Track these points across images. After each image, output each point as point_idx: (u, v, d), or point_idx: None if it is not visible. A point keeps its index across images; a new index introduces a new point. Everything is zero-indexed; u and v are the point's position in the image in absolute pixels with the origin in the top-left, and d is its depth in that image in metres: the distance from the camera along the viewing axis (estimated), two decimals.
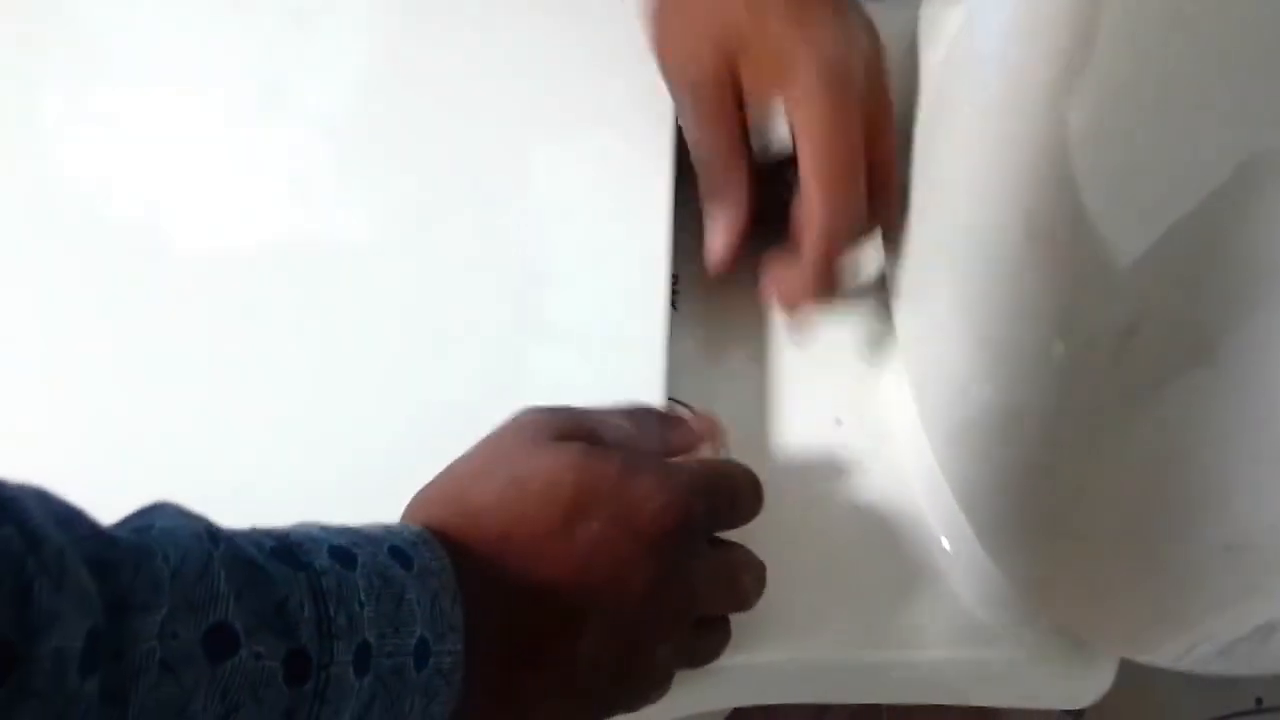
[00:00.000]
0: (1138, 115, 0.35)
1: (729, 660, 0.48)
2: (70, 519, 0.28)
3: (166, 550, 0.30)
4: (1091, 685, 0.53)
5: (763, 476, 0.47)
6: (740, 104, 0.49)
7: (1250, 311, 0.34)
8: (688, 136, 0.51)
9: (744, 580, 0.45)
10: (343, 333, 0.52)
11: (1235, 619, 0.45)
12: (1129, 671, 0.71)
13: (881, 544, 0.52)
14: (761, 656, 0.50)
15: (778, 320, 0.56)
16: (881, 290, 0.56)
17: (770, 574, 0.47)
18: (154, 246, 0.54)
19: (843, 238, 0.49)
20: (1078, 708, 0.55)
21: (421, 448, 0.43)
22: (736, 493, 0.45)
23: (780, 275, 0.51)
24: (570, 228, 0.55)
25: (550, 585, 0.39)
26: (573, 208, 0.55)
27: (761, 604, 0.47)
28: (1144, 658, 0.53)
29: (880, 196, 0.50)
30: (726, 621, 0.46)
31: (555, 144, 0.57)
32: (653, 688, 0.43)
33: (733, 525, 0.45)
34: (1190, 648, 0.49)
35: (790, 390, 0.55)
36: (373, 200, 0.56)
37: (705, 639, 0.45)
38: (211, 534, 0.32)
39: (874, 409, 0.55)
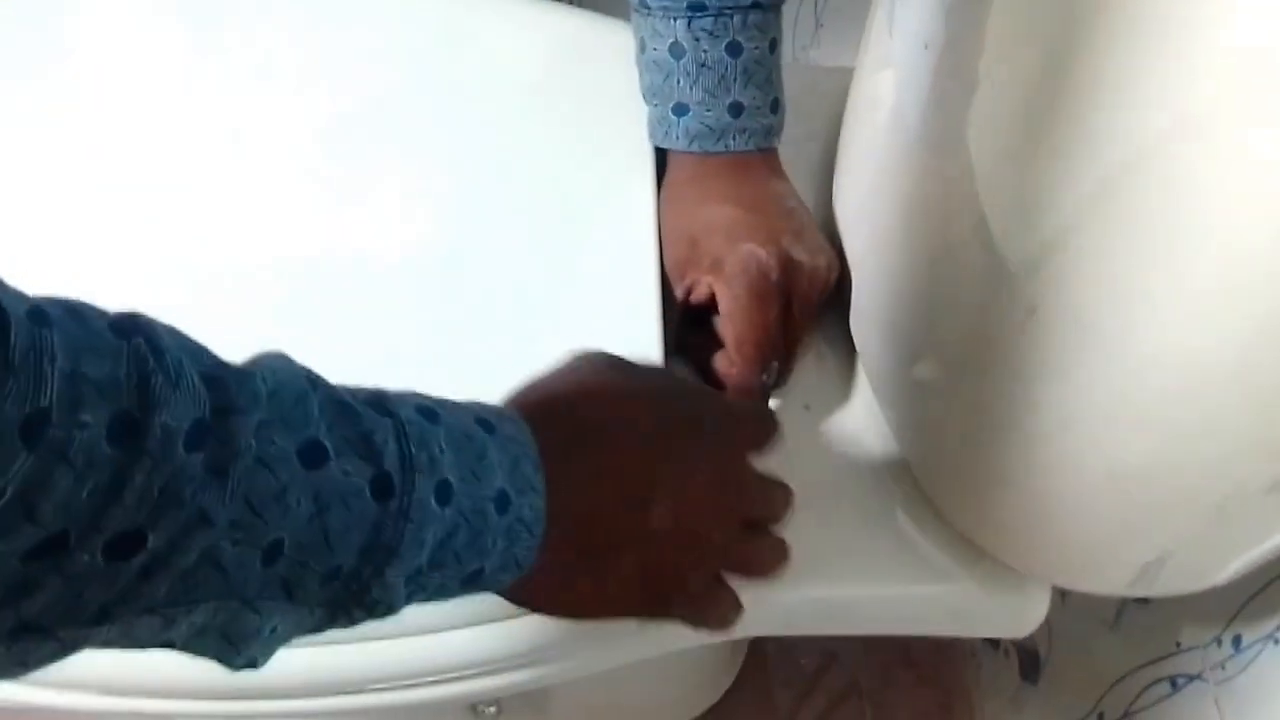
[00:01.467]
0: (1016, 145, 0.44)
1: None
2: (193, 347, 0.32)
3: (268, 378, 0.33)
4: (1029, 615, 0.61)
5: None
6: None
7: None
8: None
9: (778, 494, 0.49)
10: (345, 335, 0.59)
11: (1134, 546, 0.54)
12: (1068, 635, 0.79)
13: (847, 499, 0.60)
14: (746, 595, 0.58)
15: None
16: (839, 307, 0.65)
17: None
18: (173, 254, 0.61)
19: (752, 384, 0.61)
20: (1019, 636, 0.63)
21: None
22: (771, 434, 0.50)
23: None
24: (562, 239, 0.64)
25: (621, 469, 0.43)
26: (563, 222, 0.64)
27: None
28: (1071, 585, 0.61)
29: (790, 351, 0.63)
30: (782, 541, 0.48)
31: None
32: (711, 578, 0.46)
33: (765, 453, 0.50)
34: (1105, 574, 0.58)
35: None
36: (379, 206, 0.64)
37: (758, 547, 0.48)
38: (310, 378, 0.35)
39: (836, 394, 0.64)
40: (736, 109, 0.61)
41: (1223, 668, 0.66)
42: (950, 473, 0.56)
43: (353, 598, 0.35)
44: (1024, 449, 0.50)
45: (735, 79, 0.60)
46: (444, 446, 0.36)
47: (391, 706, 0.59)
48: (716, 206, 0.61)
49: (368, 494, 0.34)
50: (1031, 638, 0.87)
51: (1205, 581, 0.57)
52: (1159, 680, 0.73)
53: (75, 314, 0.29)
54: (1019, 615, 0.61)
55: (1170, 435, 0.44)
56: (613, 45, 0.68)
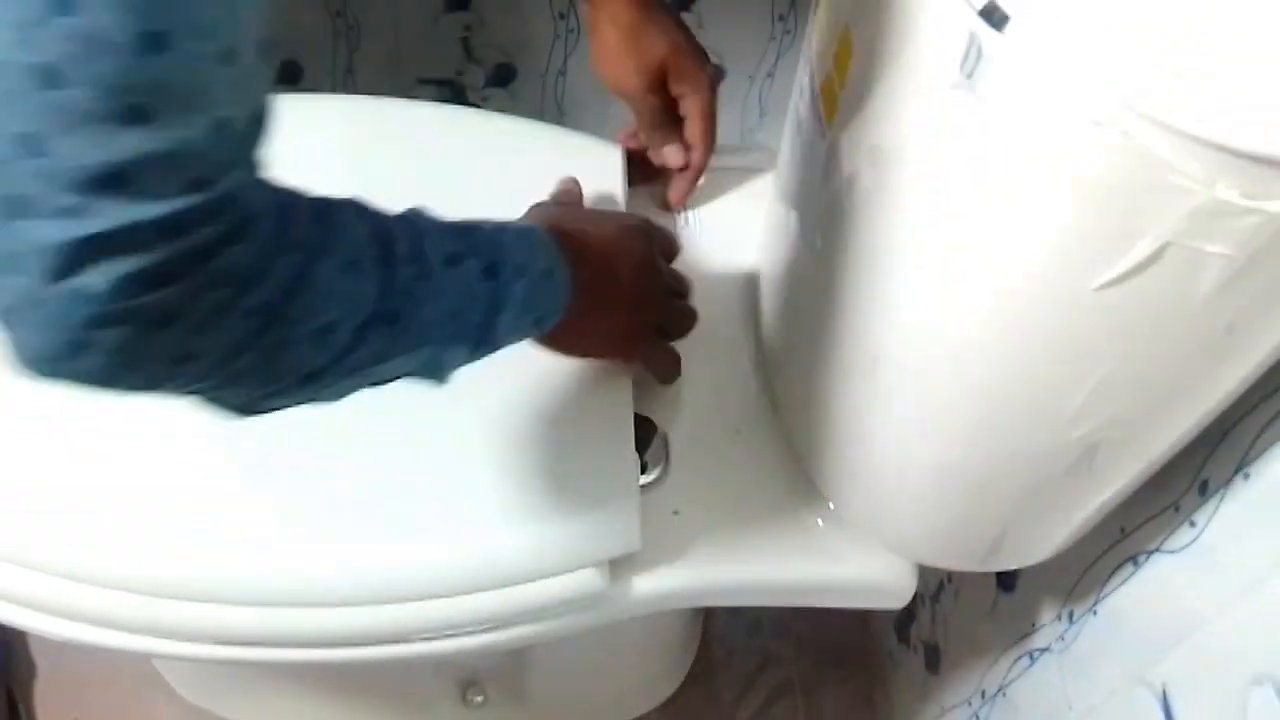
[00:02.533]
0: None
1: (663, 583, 0.71)
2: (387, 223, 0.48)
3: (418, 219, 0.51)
4: (904, 589, 0.76)
5: (692, 471, 0.73)
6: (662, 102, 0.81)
7: None
8: (640, 122, 0.82)
9: (685, 278, 0.76)
10: None
11: (973, 528, 0.69)
12: (959, 627, 0.93)
13: (763, 497, 0.75)
14: (676, 577, 0.72)
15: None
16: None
17: (687, 521, 0.71)
18: None
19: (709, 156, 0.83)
20: (897, 607, 0.77)
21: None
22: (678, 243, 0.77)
23: (676, 190, 0.85)
24: None
25: (607, 262, 0.65)
26: None
27: (681, 539, 0.71)
28: (936, 564, 0.76)
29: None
30: (692, 309, 0.75)
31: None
32: (650, 328, 0.72)
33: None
34: (958, 552, 0.72)
35: (700, 415, 0.78)
36: None
37: (681, 309, 0.75)
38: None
39: (760, 421, 0.78)
40: None
41: (1061, 639, 0.81)
42: (838, 478, 0.71)
43: (484, 337, 0.53)
44: (880, 455, 0.65)
45: None
46: (508, 252, 0.54)
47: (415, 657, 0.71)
48: (657, 29, 0.79)
49: (481, 277, 0.52)
50: (933, 634, 1.02)
51: (1041, 554, 0.71)
52: (1021, 656, 0.87)
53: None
54: (894, 590, 0.75)
55: (970, 436, 0.59)
56: (601, 160, 0.83)
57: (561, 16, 1.26)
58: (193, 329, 0.38)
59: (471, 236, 0.53)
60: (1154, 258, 0.45)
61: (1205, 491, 0.64)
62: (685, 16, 0.89)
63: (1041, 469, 0.60)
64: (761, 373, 0.79)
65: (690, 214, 0.85)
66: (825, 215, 0.62)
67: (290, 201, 0.42)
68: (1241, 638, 0.61)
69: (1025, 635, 0.86)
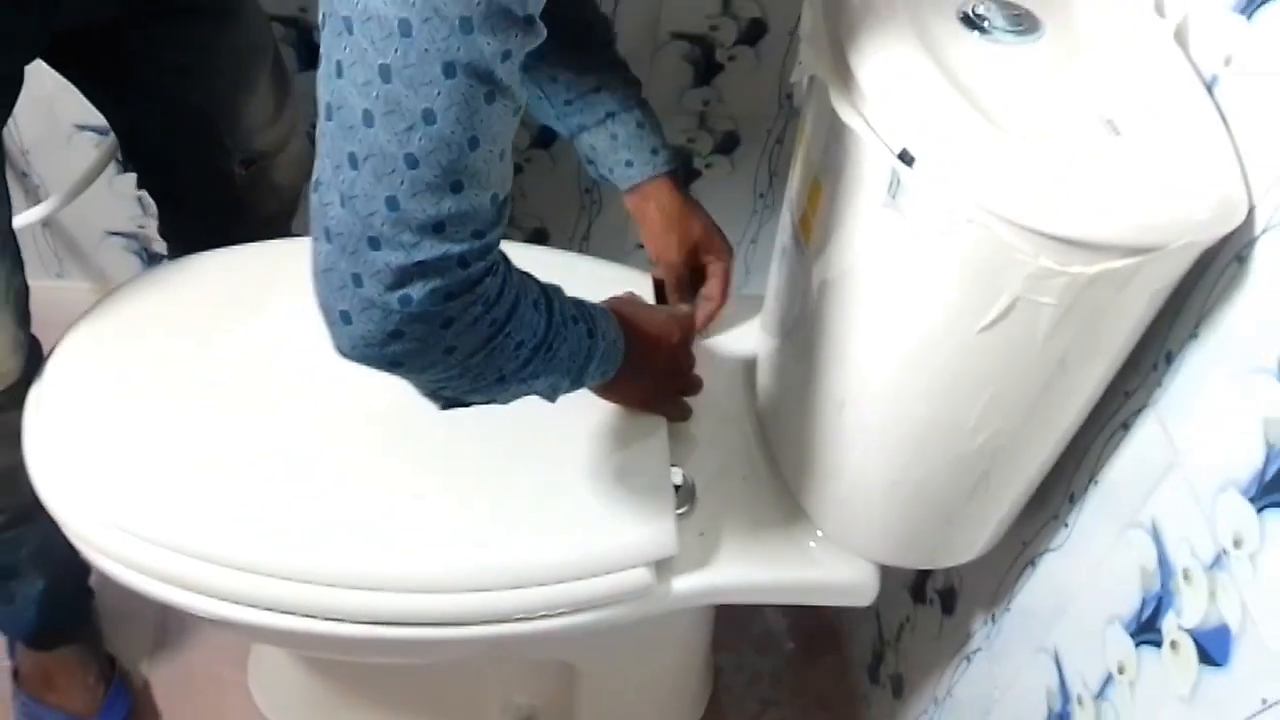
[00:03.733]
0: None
1: (692, 583, 0.92)
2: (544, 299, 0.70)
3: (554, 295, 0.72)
4: (871, 589, 0.97)
5: (712, 505, 0.94)
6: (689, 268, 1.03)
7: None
8: (668, 282, 1.03)
9: (694, 358, 0.97)
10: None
11: (918, 533, 0.91)
12: (918, 658, 1.13)
13: (766, 521, 0.97)
14: (702, 579, 0.93)
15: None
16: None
17: (710, 540, 0.93)
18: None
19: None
20: (865, 604, 0.99)
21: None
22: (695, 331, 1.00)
23: (699, 323, 1.03)
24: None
25: (651, 345, 0.87)
26: None
27: (705, 553, 0.93)
28: (891, 563, 0.97)
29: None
30: (700, 379, 0.99)
31: None
32: (673, 391, 0.98)
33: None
34: (907, 552, 0.94)
35: (716, 466, 1.01)
36: None
37: (693, 379, 0.98)
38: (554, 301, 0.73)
39: (761, 467, 1.00)
40: (661, 145, 0.99)
41: (988, 638, 1.02)
42: (821, 501, 0.94)
43: (580, 377, 0.76)
44: (848, 477, 0.88)
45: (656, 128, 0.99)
46: (598, 322, 0.77)
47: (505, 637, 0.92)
48: (694, 216, 1.01)
49: (586, 334, 0.75)
50: (898, 667, 1.22)
51: (970, 553, 0.93)
52: (960, 661, 1.07)
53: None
54: (862, 589, 0.97)
55: (907, 451, 0.82)
56: (638, 284, 1.05)
57: (587, 191, 1.53)
58: (460, 330, 0.62)
59: (581, 306, 0.76)
60: (1010, 308, 0.69)
61: (1073, 500, 0.87)
62: None
63: (959, 472, 0.83)
64: (761, 433, 1.02)
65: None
66: (803, 308, 0.86)
67: (506, 256, 0.66)
68: (1099, 596, 0.83)
69: (963, 644, 1.06)
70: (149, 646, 1.35)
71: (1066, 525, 0.87)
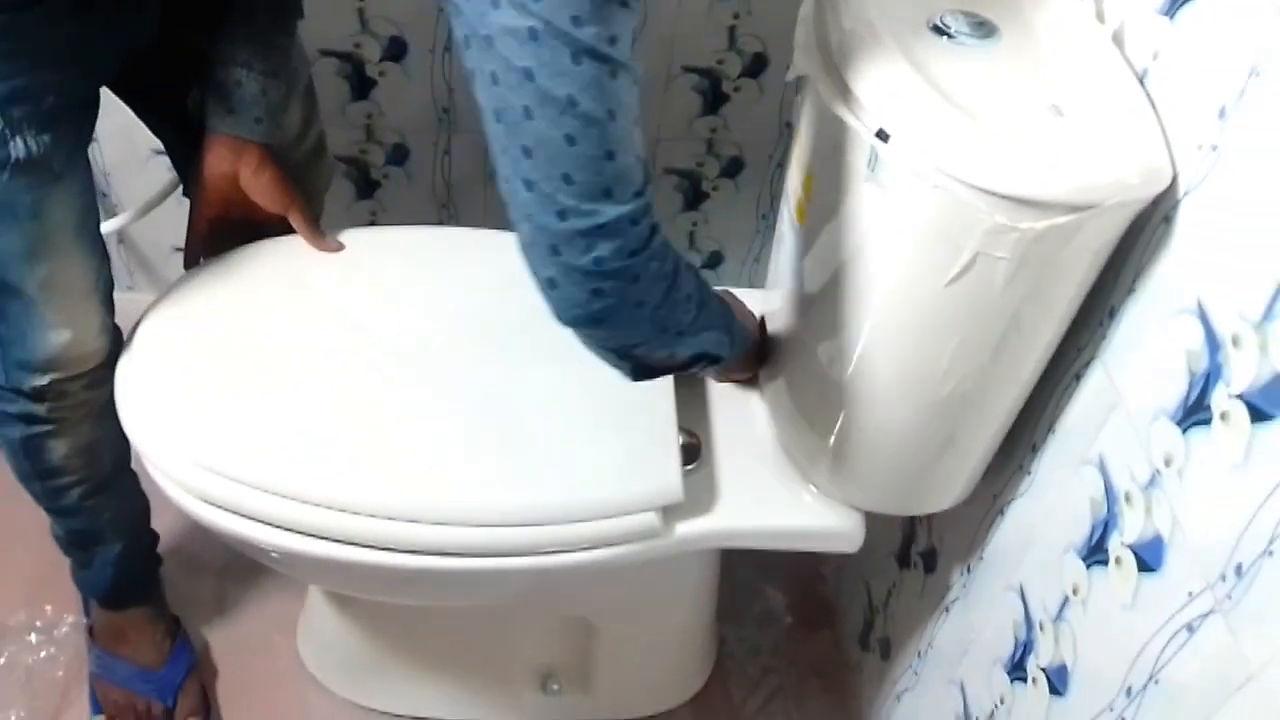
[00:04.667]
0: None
1: (696, 527, 1.00)
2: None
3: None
4: (856, 535, 1.05)
5: (716, 463, 1.03)
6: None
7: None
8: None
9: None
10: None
11: (899, 479, 0.99)
12: (904, 617, 1.20)
13: (763, 474, 1.05)
14: (704, 524, 1.01)
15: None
16: None
17: (713, 491, 1.01)
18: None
19: None
20: (852, 550, 1.06)
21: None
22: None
23: None
24: None
25: (749, 345, 0.98)
26: None
27: (708, 502, 1.01)
28: (876, 510, 1.04)
29: None
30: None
31: None
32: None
33: None
34: (893, 499, 1.02)
35: (722, 428, 1.09)
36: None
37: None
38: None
39: (760, 430, 1.08)
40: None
41: (964, 586, 1.09)
42: (805, 446, 1.02)
43: (730, 329, 0.89)
44: (840, 429, 0.96)
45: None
46: (721, 313, 0.88)
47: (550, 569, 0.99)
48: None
49: (718, 300, 0.86)
50: (885, 630, 1.29)
51: (947, 500, 1.00)
52: (940, 613, 1.15)
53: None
54: (851, 536, 1.05)
55: (888, 397, 0.90)
56: None
57: (763, 217, 1.63)
58: (646, 285, 0.73)
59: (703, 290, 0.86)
60: (971, 263, 0.78)
61: (1035, 449, 0.95)
62: (692, 214, 1.28)
63: (934, 418, 0.90)
64: (762, 397, 1.11)
65: None
66: (797, 279, 0.95)
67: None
68: (1057, 530, 0.91)
69: (942, 596, 1.14)
70: (209, 613, 1.43)
71: (1030, 473, 0.95)
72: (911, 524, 1.24)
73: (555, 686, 1.34)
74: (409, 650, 1.32)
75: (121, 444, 1.15)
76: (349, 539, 0.94)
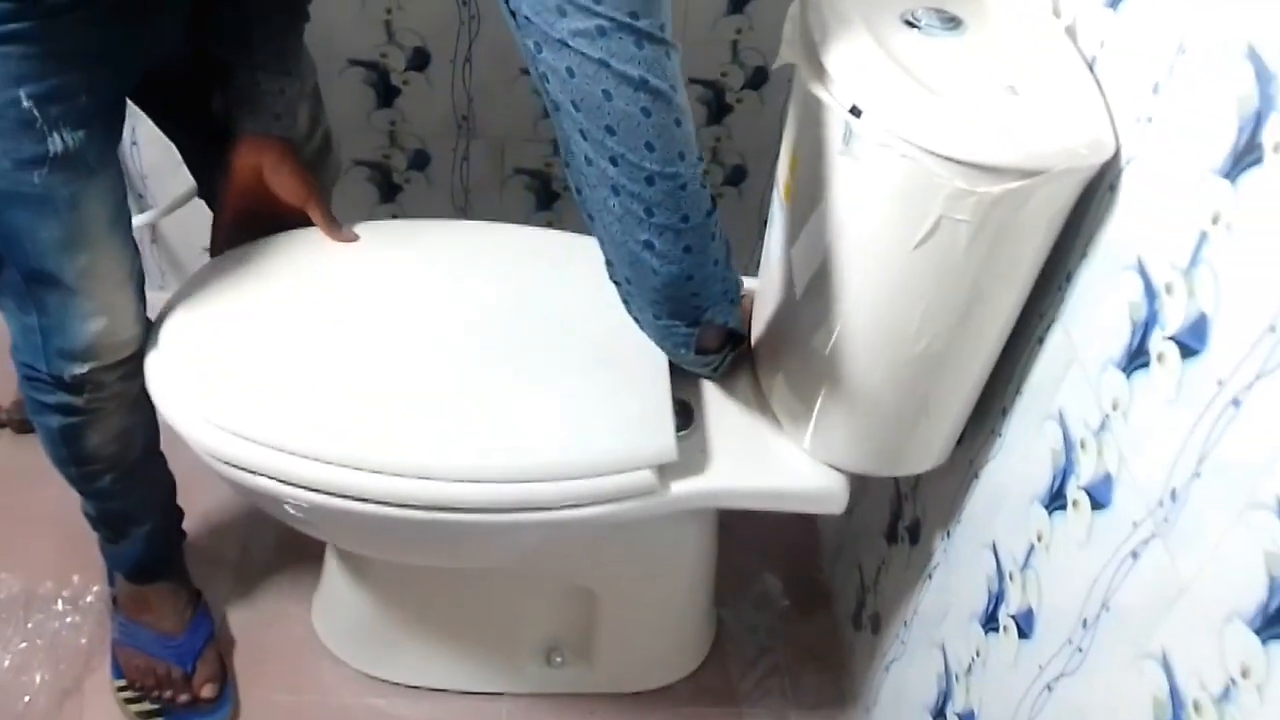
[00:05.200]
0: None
1: (689, 487, 1.08)
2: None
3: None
4: (841, 497, 1.12)
5: (709, 427, 1.11)
6: None
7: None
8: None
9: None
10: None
11: (882, 440, 1.06)
12: (891, 591, 1.26)
13: (754, 436, 1.13)
14: (697, 484, 1.09)
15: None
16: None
17: (706, 453, 1.09)
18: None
19: None
20: (837, 511, 1.14)
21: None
22: None
23: None
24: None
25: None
26: None
27: (701, 463, 1.08)
28: (860, 471, 1.12)
29: None
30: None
31: None
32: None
33: None
34: (879, 461, 1.09)
35: (714, 395, 1.17)
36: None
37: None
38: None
39: (750, 396, 1.16)
40: None
41: (945, 552, 1.16)
42: (792, 410, 1.10)
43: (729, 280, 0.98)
44: (825, 392, 1.04)
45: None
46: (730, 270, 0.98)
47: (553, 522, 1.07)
48: None
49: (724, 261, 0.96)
50: (875, 606, 1.35)
51: (927, 462, 1.07)
52: (924, 580, 1.22)
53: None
54: (838, 497, 1.12)
55: (868, 357, 0.98)
56: None
57: None
58: (693, 200, 0.88)
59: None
60: (935, 226, 0.86)
61: (1005, 413, 1.02)
62: None
63: (910, 378, 0.98)
64: (753, 369, 1.19)
65: None
66: (784, 253, 1.03)
67: None
68: (1024, 484, 0.98)
69: (925, 564, 1.21)
70: (227, 586, 1.51)
71: (1000, 435, 1.03)
72: (898, 499, 1.31)
73: (559, 659, 1.41)
74: (419, 623, 1.40)
75: (152, 430, 1.24)
76: (365, 497, 1.03)
